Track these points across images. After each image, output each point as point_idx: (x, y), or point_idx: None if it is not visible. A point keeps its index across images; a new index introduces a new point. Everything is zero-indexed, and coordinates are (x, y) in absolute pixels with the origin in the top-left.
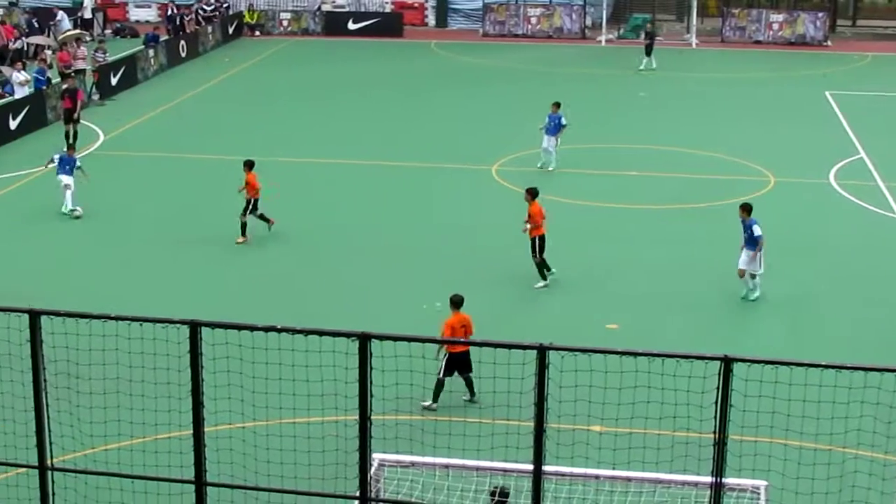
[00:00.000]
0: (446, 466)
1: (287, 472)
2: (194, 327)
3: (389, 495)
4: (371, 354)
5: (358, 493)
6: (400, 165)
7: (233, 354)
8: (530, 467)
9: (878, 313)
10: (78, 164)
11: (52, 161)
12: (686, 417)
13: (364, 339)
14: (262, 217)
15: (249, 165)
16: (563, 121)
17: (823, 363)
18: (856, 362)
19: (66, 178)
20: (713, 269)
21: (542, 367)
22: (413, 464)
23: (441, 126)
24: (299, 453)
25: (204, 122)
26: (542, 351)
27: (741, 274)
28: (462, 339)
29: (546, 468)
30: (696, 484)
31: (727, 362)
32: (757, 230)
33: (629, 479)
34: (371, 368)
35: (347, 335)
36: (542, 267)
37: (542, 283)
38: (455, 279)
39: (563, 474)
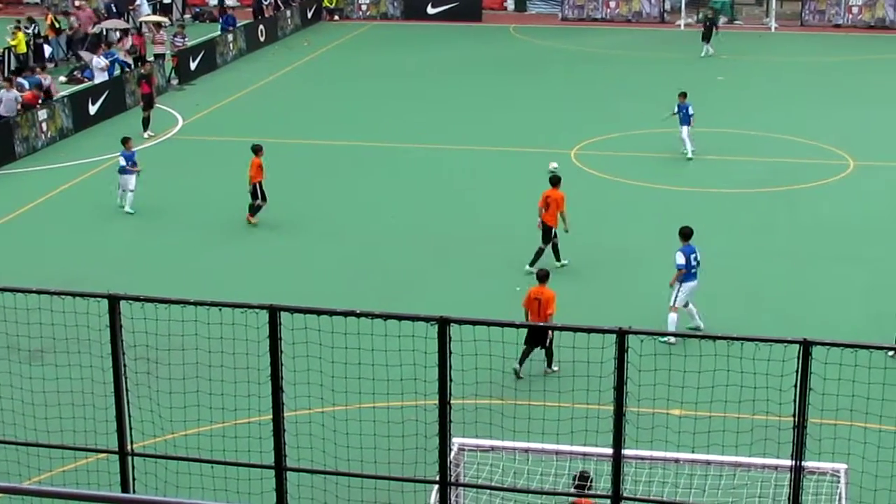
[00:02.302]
0: (526, 450)
1: (367, 457)
2: (273, 312)
3: (469, 479)
4: (450, 339)
5: (438, 478)
6: (479, 150)
7: (312, 339)
8: (610, 451)
9: None
10: (135, 159)
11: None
12: (765, 401)
13: (443, 324)
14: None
15: (257, 149)
16: (691, 110)
17: None
18: None
19: (128, 181)
20: (793, 255)
21: (622, 350)
22: (493, 448)
23: (520, 110)
24: (379, 438)
25: (283, 106)
26: (621, 335)
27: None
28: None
29: (626, 452)
30: (775, 467)
31: (806, 346)
32: (680, 258)
33: (709, 463)
34: (450, 353)
35: (427, 319)
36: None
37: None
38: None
39: (642, 458)
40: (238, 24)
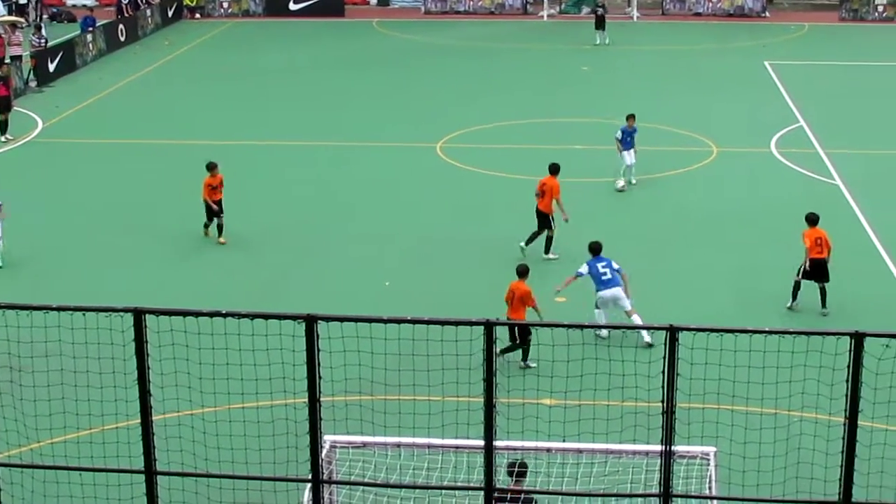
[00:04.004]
0: (398, 445)
1: (238, 458)
2: (138, 315)
3: (342, 477)
4: (318, 336)
5: (310, 476)
6: (343, 145)
7: (178, 341)
8: (482, 443)
9: None
10: None
11: None
12: (634, 388)
13: (310, 321)
14: (208, 225)
15: (208, 167)
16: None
17: (767, 329)
18: (799, 327)
19: None
20: (657, 241)
21: (490, 342)
22: (365, 444)
23: (384, 105)
24: (250, 438)
25: (145, 107)
26: (489, 327)
27: (632, 313)
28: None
29: (497, 443)
30: (646, 453)
31: (673, 331)
32: (615, 264)
33: (580, 451)
34: (318, 350)
35: (293, 317)
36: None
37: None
38: (400, 257)
39: (514, 448)
40: (98, 24)
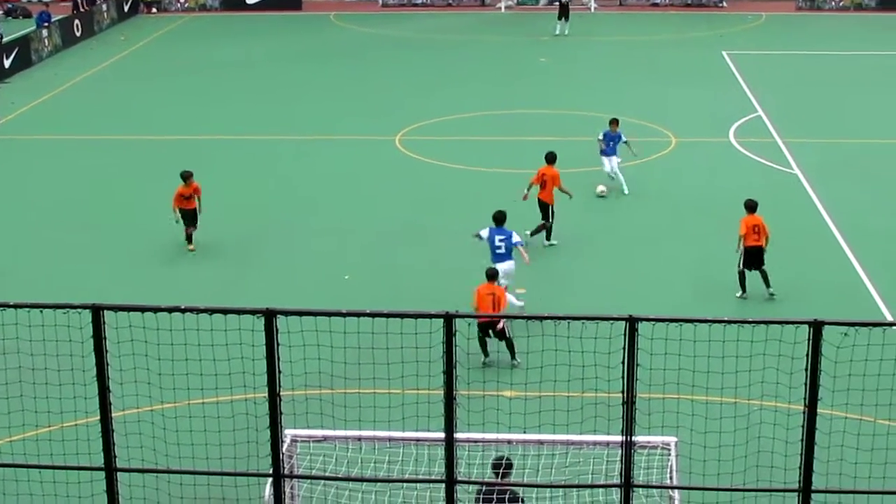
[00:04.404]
0: (359, 439)
1: (199, 453)
2: (97, 311)
3: (303, 470)
4: (277, 330)
5: (271, 470)
6: (301, 139)
7: (137, 337)
8: (442, 435)
9: (779, 266)
10: None
11: None
12: (594, 378)
13: (269, 316)
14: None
15: (182, 177)
16: (624, 137)
17: (725, 318)
18: (758, 316)
19: None
20: (616, 231)
21: (450, 334)
22: (325, 438)
23: (342, 98)
24: (210, 433)
25: (101, 102)
26: (448, 319)
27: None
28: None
29: (458, 435)
30: (607, 443)
31: (632, 322)
32: (516, 237)
33: (541, 443)
34: (278, 344)
35: (252, 312)
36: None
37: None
38: (360, 251)
39: (475, 441)
40: (53, 20)
